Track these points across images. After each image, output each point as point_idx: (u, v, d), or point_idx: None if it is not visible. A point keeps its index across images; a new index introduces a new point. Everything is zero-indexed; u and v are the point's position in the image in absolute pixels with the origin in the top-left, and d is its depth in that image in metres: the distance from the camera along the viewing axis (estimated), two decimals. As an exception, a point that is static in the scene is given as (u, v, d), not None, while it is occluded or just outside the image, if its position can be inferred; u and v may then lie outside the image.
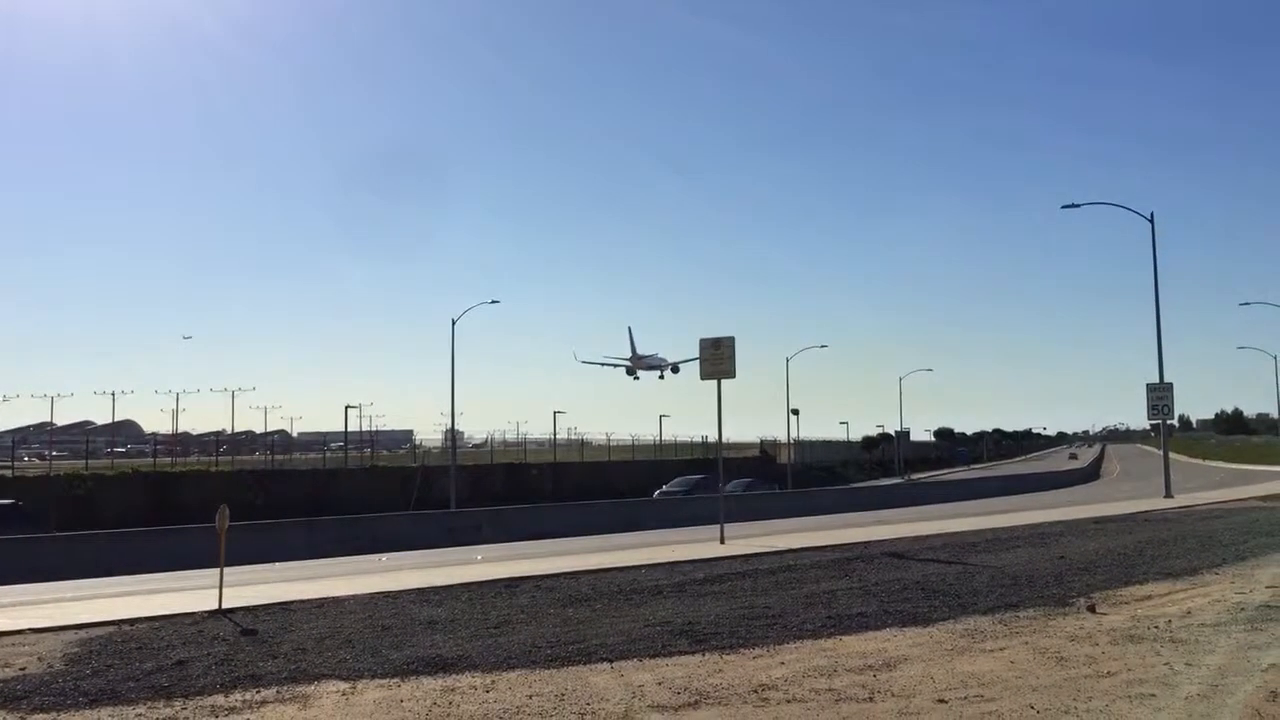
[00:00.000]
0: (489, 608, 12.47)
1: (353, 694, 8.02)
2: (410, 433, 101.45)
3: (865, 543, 19.93)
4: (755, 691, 7.75)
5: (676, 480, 46.12)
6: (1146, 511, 28.00)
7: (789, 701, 7.43)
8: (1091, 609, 11.21)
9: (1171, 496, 35.72)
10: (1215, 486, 48.28)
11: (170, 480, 50.28)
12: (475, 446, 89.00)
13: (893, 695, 7.54)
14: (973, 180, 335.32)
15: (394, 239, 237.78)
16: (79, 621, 12.09)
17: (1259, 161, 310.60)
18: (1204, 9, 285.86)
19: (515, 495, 54.33)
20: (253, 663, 9.33)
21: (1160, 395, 38.67)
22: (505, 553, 23.16)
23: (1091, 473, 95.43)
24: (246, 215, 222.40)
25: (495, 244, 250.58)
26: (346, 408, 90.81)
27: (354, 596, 13.76)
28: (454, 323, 55.55)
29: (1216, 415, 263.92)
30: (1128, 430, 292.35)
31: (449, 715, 7.23)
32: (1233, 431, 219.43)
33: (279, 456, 76.25)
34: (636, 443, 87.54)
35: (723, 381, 22.72)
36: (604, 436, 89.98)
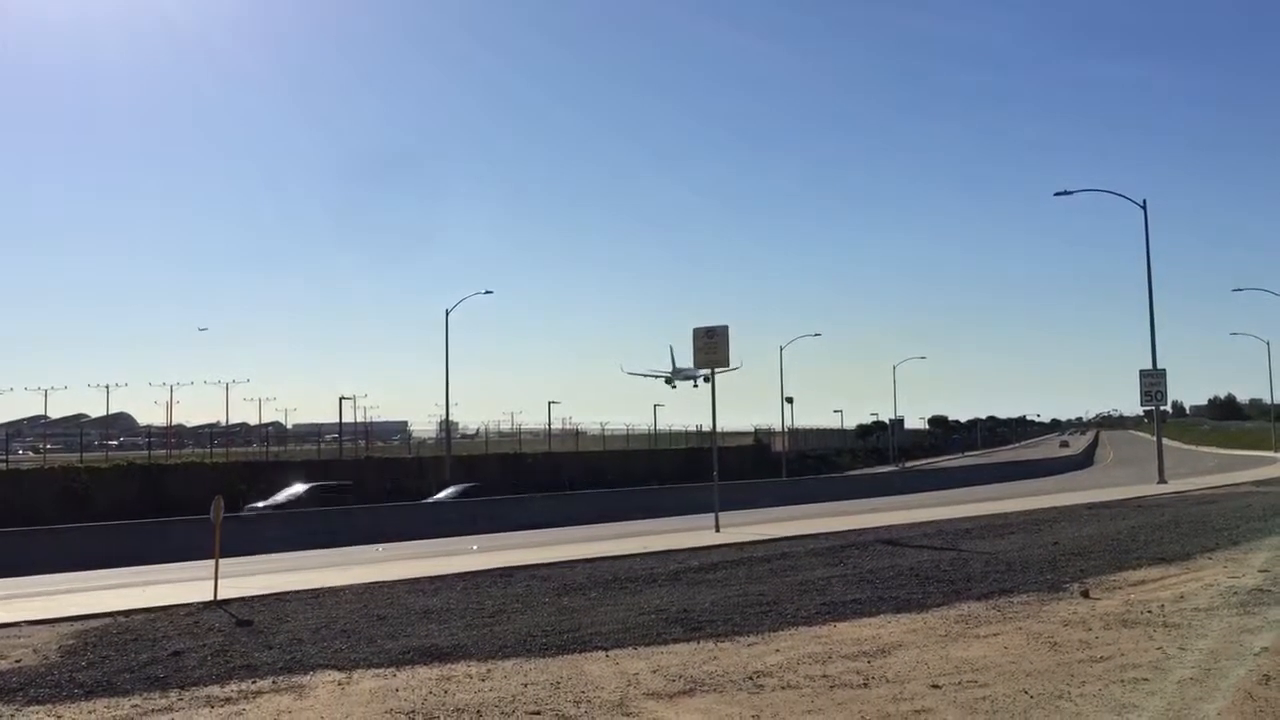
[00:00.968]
0: (484, 597, 12.49)
1: (348, 684, 8.03)
2: (405, 424, 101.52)
3: (859, 530, 19.99)
4: (750, 678, 7.77)
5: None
6: (1140, 497, 28.10)
7: (783, 688, 7.45)
8: (1085, 594, 11.25)
9: (1165, 482, 35.83)
10: (1208, 472, 48.44)
11: (165, 472, 50.14)
12: (469, 437, 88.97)
13: (887, 681, 7.57)
14: (966, 169, 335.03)
15: (387, 231, 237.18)
16: (74, 613, 12.11)
17: (1252, 148, 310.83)
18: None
19: (510, 485, 54.32)
20: (248, 653, 9.35)
21: (1154, 381, 38.75)
22: (500, 543, 23.18)
23: (1085, 459, 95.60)
24: (241, 209, 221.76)
25: (489, 235, 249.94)
26: (341, 399, 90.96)
27: (349, 587, 13.78)
28: (448, 313, 55.60)
29: (1210, 401, 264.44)
30: (1121, 416, 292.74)
31: (444, 704, 7.24)
32: (1226, 417, 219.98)
33: (274, 448, 76.15)
34: (631, 433, 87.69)
35: (717, 371, 22.74)
36: (599, 427, 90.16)
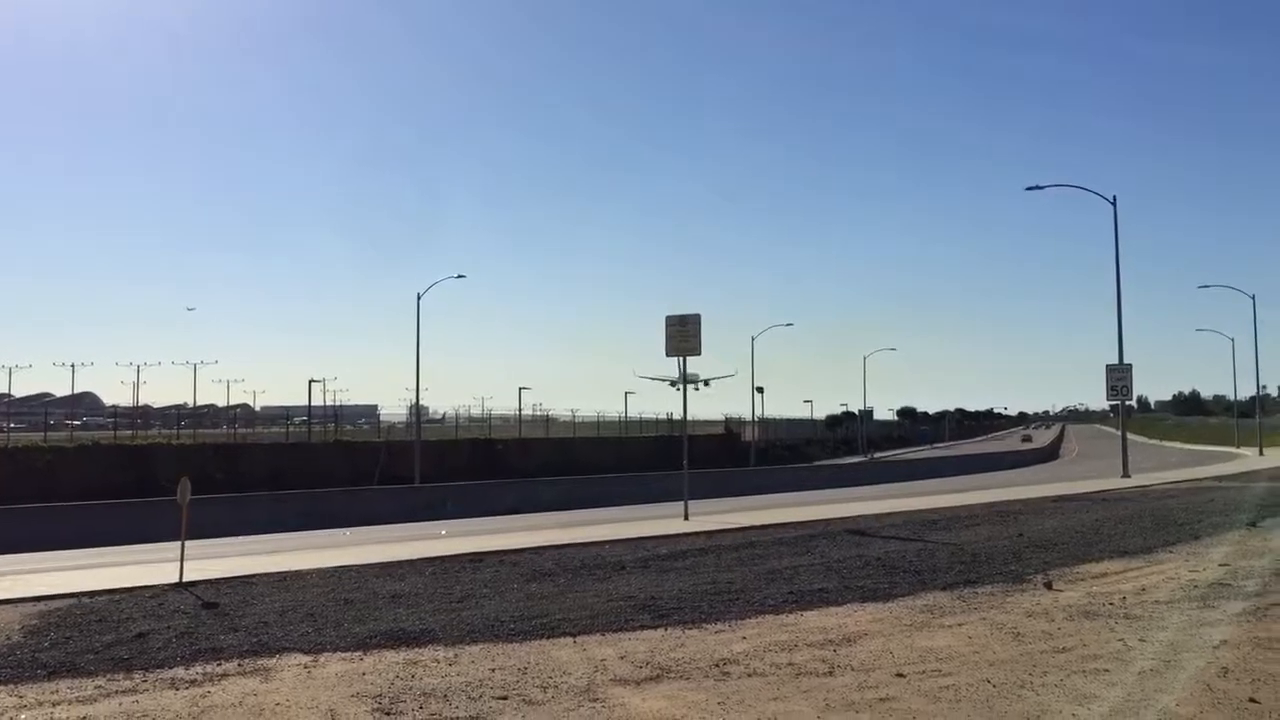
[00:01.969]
0: (453, 582, 12.48)
1: (315, 667, 8.01)
2: (374, 408, 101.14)
3: (827, 520, 20.08)
4: (716, 665, 7.82)
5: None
6: (1104, 491, 28.37)
7: (749, 675, 7.50)
8: (1048, 586, 11.37)
9: (1129, 476, 36.19)
10: (1171, 467, 48.95)
11: (131, 453, 49.64)
12: (437, 422, 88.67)
13: (852, 669, 7.63)
14: (938, 162, 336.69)
15: (360, 214, 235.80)
16: (37, 594, 11.98)
17: (1219, 147, 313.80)
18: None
19: (480, 471, 54.24)
20: (214, 636, 9.29)
21: (1119, 376, 39.09)
22: (469, 528, 23.15)
23: (1051, 452, 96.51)
24: (210, 190, 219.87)
25: (463, 220, 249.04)
26: (310, 382, 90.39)
27: (317, 570, 13.71)
28: (419, 298, 55.28)
29: (1174, 397, 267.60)
30: (1087, 411, 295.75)
31: (411, 688, 7.24)
32: (1190, 413, 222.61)
33: (241, 430, 75.66)
34: (602, 420, 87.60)
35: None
36: (569, 413, 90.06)
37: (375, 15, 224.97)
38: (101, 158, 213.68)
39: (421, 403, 63.99)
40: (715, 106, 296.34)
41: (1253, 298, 66.96)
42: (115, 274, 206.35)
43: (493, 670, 7.75)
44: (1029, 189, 42.05)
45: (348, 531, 23.95)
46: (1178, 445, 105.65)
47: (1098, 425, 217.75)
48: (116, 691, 7.36)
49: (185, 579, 12.72)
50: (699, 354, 22.64)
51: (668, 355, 22.81)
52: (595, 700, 6.88)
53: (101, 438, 57.32)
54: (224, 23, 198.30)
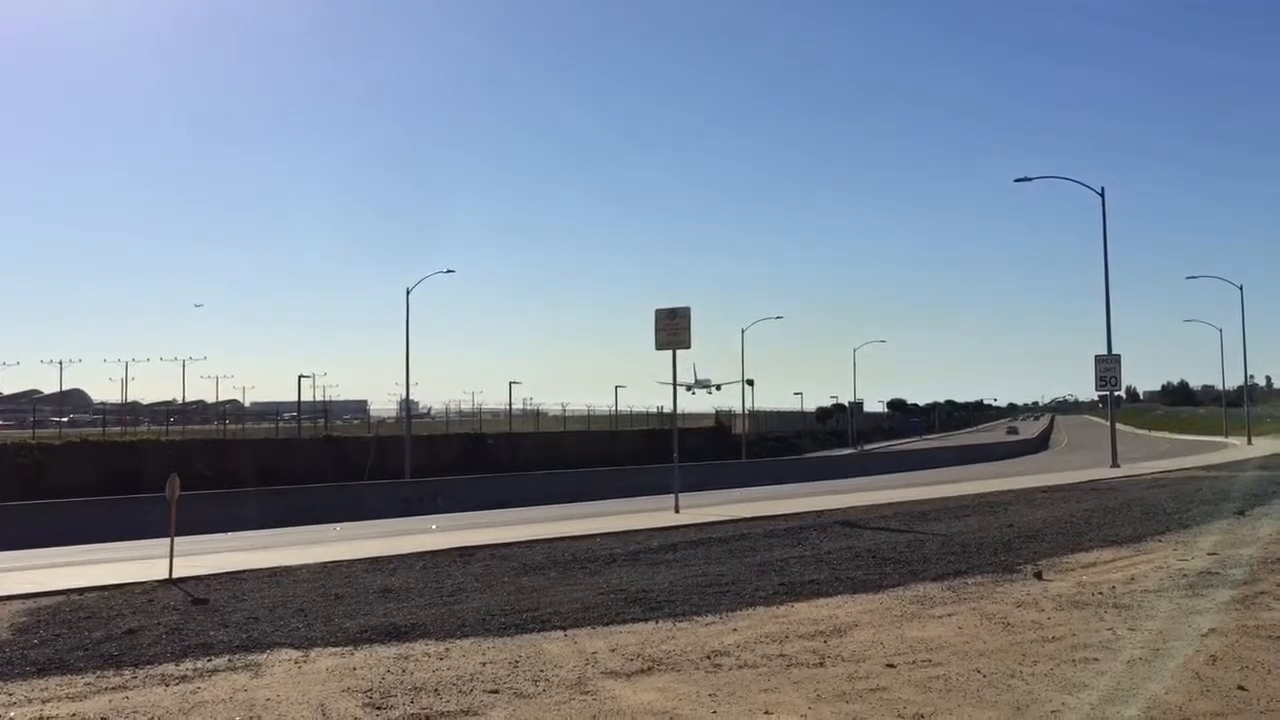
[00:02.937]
0: (443, 577, 12.46)
1: (305, 662, 8.00)
2: (364, 403, 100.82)
3: (818, 512, 20.12)
4: (708, 657, 7.82)
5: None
6: (1093, 481, 28.49)
7: (741, 667, 7.50)
8: (1038, 576, 11.41)
9: (1118, 466, 36.34)
10: (1160, 457, 49.17)
11: (120, 450, 49.44)
12: (426, 417, 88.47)
13: (843, 660, 7.64)
14: (927, 154, 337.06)
15: (349, 208, 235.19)
16: (26, 591, 11.94)
17: (1207, 138, 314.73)
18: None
19: (470, 466, 54.18)
20: (204, 632, 9.27)
21: (1108, 367, 39.21)
22: (460, 522, 23.14)
23: (1040, 443, 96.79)
24: (199, 184, 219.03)
25: (450, 216, 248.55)
26: (300, 377, 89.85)
27: (307, 566, 13.69)
28: (408, 292, 55.12)
29: (1163, 387, 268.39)
30: (1076, 401, 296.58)
31: (402, 683, 7.23)
32: (1178, 403, 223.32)
33: (231, 426, 75.42)
34: (592, 414, 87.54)
35: (678, 352, 22.76)
36: (559, 408, 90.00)
37: (361, 7, 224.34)
38: (87, 154, 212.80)
39: (412, 398, 63.86)
40: (704, 100, 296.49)
41: (1240, 288, 67.22)
42: (103, 271, 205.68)
43: (484, 664, 7.75)
44: (1018, 181, 42.13)
45: (338, 527, 23.93)
46: (1166, 435, 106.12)
47: (1087, 416, 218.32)
48: (107, 688, 7.34)
49: (175, 575, 12.69)
50: (689, 347, 22.64)
51: (657, 348, 22.79)
52: (586, 693, 6.88)
53: (90, 434, 57.10)
54: (208, 18, 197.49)
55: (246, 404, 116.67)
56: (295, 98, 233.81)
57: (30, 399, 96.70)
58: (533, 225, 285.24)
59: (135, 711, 6.69)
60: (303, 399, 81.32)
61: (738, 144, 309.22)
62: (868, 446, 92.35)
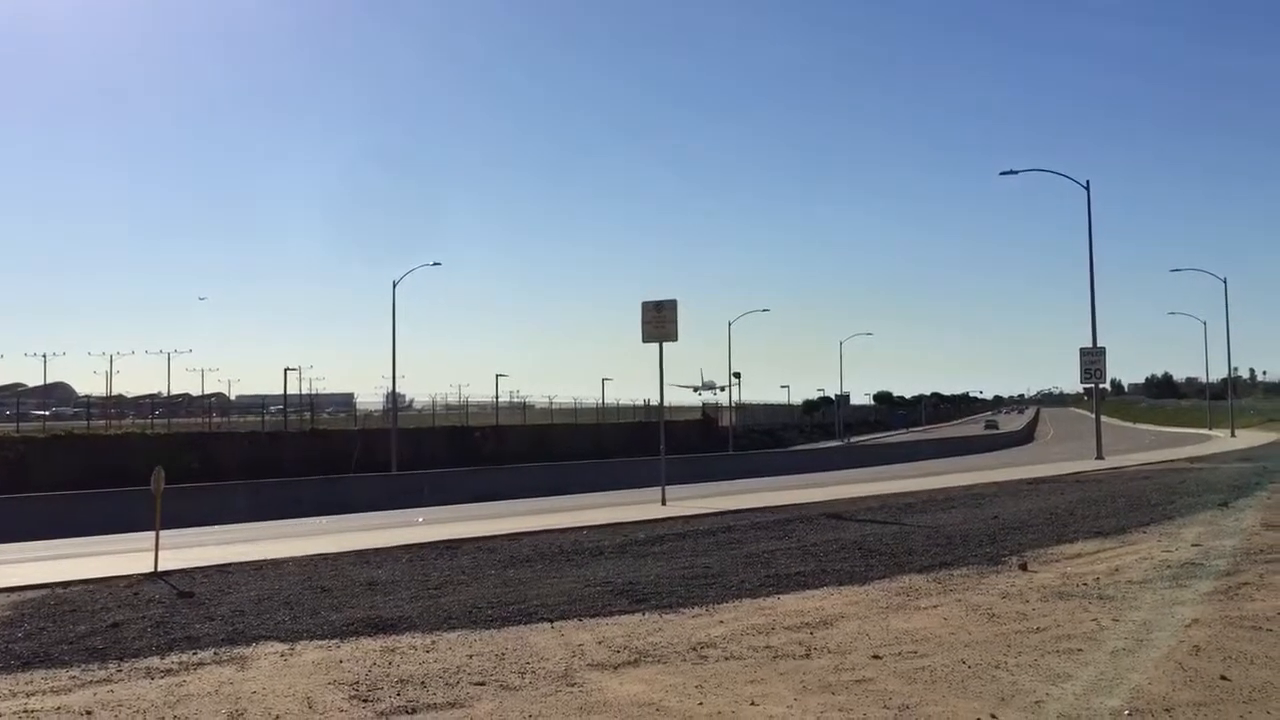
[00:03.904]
0: (429, 569, 12.45)
1: (291, 655, 7.98)
2: (351, 396, 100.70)
3: (804, 504, 20.16)
4: (694, 649, 7.83)
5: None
6: (1078, 473, 28.60)
7: (727, 659, 7.52)
8: (1023, 567, 11.45)
9: (1103, 458, 36.50)
10: (1145, 449, 49.38)
11: (105, 443, 49.24)
12: (409, 409, 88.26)
13: (829, 652, 7.66)
14: (913, 146, 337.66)
15: (335, 201, 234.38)
16: (10, 585, 11.90)
17: (1192, 132, 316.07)
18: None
19: (457, 459, 54.11)
20: (189, 625, 9.25)
21: (1093, 359, 39.38)
22: (446, 515, 23.12)
23: (1026, 435, 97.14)
24: (184, 177, 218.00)
25: (437, 209, 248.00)
26: (285, 370, 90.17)
27: (293, 559, 13.67)
28: (395, 285, 54.98)
29: (1147, 379, 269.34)
30: (1062, 394, 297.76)
31: (389, 675, 7.22)
32: (1163, 395, 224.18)
33: (216, 419, 75.19)
34: (579, 406, 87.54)
35: (665, 345, 22.76)
36: (546, 400, 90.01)
37: (354, 7, 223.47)
38: (70, 147, 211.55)
39: (398, 391, 63.71)
40: (690, 93, 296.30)
41: (1224, 281, 67.60)
42: (87, 263, 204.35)
43: (470, 656, 7.74)
44: (1003, 174, 42.31)
45: (324, 520, 23.88)
46: (1151, 427, 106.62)
47: (1072, 408, 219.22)
48: (91, 681, 7.31)
49: (160, 568, 12.65)
50: (675, 339, 22.63)
51: (644, 341, 22.79)
52: (573, 685, 6.88)
53: (75, 428, 56.92)
54: (189, 10, 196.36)
55: (232, 397, 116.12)
56: (283, 93, 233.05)
57: (14, 392, 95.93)
58: (520, 218, 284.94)
59: (120, 705, 6.67)
60: (289, 392, 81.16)
61: (724, 138, 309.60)
62: (854, 439, 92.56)
